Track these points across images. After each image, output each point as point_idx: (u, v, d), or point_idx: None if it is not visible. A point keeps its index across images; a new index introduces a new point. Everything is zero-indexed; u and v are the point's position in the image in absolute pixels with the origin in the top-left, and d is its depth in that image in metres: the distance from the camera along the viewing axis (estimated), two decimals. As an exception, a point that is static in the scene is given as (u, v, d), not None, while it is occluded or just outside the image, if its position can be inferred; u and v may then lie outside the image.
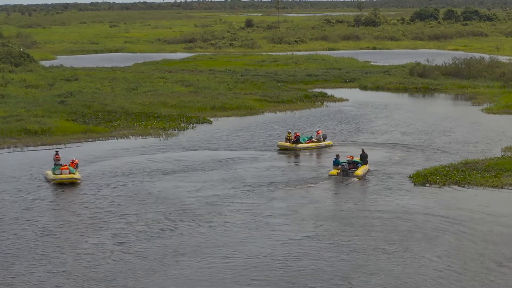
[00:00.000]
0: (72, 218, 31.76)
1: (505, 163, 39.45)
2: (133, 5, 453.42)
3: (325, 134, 47.28)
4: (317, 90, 72.43)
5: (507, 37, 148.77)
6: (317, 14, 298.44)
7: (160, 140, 48.79)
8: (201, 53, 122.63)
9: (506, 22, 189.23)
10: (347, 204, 33.60)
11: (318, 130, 47.77)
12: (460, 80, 76.75)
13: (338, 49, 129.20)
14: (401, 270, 25.32)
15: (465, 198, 34.29)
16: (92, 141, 48.55)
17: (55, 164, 38.66)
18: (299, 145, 45.53)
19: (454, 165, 39.48)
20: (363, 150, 40.30)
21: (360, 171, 38.53)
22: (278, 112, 60.57)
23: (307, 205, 33.31)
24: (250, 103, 62.11)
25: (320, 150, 45.76)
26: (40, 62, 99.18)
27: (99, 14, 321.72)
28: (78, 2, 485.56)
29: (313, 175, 39.15)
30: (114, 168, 40.51)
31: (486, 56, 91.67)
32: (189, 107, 60.25)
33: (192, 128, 53.04)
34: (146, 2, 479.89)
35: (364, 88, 75.80)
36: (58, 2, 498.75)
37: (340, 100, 66.69)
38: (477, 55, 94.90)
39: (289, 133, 46.68)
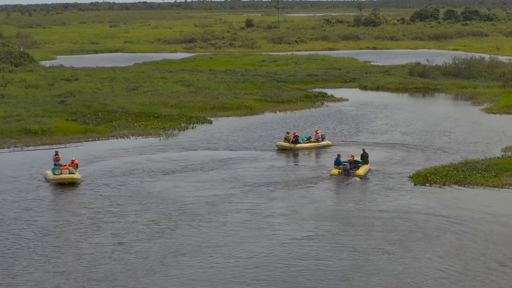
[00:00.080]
0: (72, 218, 31.73)
1: (505, 163, 39.43)
2: (133, 5, 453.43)
3: (324, 134, 47.25)
4: (317, 90, 72.40)
5: (507, 37, 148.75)
6: (317, 14, 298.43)
7: (160, 140, 48.76)
8: (201, 53, 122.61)
9: (506, 22, 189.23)
10: (347, 204, 33.57)
11: (317, 130, 47.76)
12: (460, 80, 76.72)
13: (338, 49, 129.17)
14: (401, 270, 25.29)
15: (465, 198, 34.26)
16: (92, 141, 48.53)
17: (55, 164, 38.63)
18: (298, 145, 45.50)
19: (454, 165, 39.46)
20: (364, 150, 40.31)
21: (362, 170, 38.53)
22: (278, 112, 60.54)
23: (307, 205, 33.28)
24: (250, 103, 62.09)
25: (319, 150, 45.75)
26: (40, 62, 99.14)
27: (99, 14, 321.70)
28: (78, 2, 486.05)
29: (314, 175, 39.13)
30: (114, 168, 40.48)
31: (486, 56, 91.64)
32: (189, 107, 60.23)
33: (192, 128, 53.02)
34: (146, 2, 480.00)
35: (364, 88, 75.77)
36: (58, 2, 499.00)
37: (340, 100, 66.67)
38: (477, 55, 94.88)
39: (288, 133, 46.66)
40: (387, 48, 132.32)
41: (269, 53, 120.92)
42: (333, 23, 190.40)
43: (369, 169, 39.31)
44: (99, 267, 25.83)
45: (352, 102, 65.85)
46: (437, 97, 71.24)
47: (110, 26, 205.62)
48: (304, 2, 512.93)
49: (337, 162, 38.99)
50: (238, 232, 29.48)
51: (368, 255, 26.68)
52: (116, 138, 49.22)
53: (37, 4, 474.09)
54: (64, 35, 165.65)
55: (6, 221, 31.12)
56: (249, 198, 34.45)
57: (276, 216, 31.54)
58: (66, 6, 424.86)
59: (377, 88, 74.71)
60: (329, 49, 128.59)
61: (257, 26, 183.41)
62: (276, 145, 45.91)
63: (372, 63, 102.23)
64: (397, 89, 74.06)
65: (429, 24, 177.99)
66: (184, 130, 51.94)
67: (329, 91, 70.98)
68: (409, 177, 37.88)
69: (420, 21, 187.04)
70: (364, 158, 39.59)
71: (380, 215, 31.50)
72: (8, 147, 46.13)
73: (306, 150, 45.56)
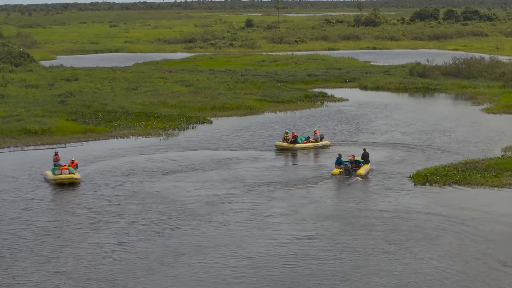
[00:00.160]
0: (72, 218, 31.72)
1: (505, 163, 39.43)
2: (133, 5, 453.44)
3: (323, 134, 47.23)
4: (317, 90, 72.39)
5: (507, 37, 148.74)
6: (317, 14, 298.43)
7: (160, 140, 48.74)
8: (201, 53, 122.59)
9: (506, 22, 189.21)
10: (347, 204, 33.56)
11: (316, 130, 47.75)
12: (460, 80, 76.69)
13: (338, 49, 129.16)
14: (401, 270, 25.27)
15: (465, 198, 34.25)
16: (92, 141, 48.50)
17: (55, 165, 38.62)
18: (297, 145, 45.49)
19: (454, 165, 39.45)
20: (364, 150, 40.32)
21: (363, 170, 38.54)
22: (278, 112, 60.52)
23: (308, 205, 33.26)
24: (250, 103, 62.07)
25: (318, 150, 45.74)
26: (40, 62, 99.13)
27: (99, 14, 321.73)
28: (78, 2, 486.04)
29: (314, 174, 39.11)
30: (114, 168, 40.46)
31: (486, 56, 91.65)
32: (189, 107, 60.21)
33: (192, 128, 52.99)
34: (146, 2, 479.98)
35: (364, 88, 75.75)
36: (58, 2, 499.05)
37: (340, 100, 66.65)
38: (477, 55, 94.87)
39: (287, 133, 46.65)
40: (387, 48, 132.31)
41: (269, 53, 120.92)
42: (333, 23, 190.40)
43: (370, 169, 39.31)
44: (99, 267, 25.81)
45: (352, 102, 65.83)
46: (437, 97, 71.23)
47: (110, 26, 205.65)
48: (304, 2, 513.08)
49: (338, 162, 38.98)
50: (238, 232, 29.46)
51: (368, 255, 26.66)
52: (116, 138, 49.20)
53: (37, 4, 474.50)
54: (64, 35, 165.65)
55: (5, 221, 31.09)
56: (249, 198, 34.43)
57: (276, 216, 31.52)
58: (66, 6, 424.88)
59: (377, 88, 74.69)
60: (329, 49, 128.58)
61: (257, 26, 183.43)
62: (275, 145, 45.91)
63: (372, 63, 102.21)
64: (397, 89, 74.04)
65: (429, 24, 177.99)
66: (184, 130, 51.92)
67: (329, 91, 70.96)
68: (409, 177, 37.86)
69: (420, 21, 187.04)
70: (365, 158, 39.60)
71: (380, 215, 31.48)
72: (8, 147, 46.12)
73: (305, 150, 45.55)
